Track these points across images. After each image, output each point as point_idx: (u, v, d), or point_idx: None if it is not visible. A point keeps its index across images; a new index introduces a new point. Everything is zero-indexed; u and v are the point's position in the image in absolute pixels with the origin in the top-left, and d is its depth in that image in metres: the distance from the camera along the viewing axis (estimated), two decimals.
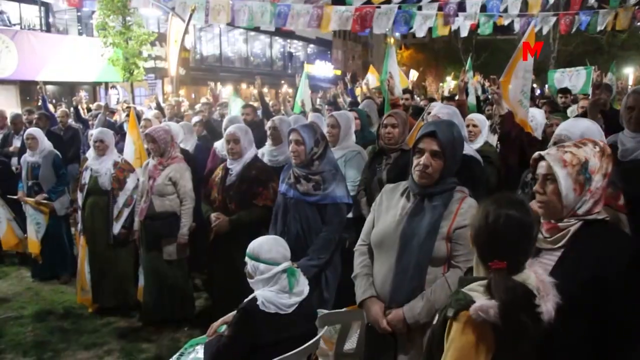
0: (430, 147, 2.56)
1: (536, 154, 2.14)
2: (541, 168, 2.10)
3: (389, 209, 2.73)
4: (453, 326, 1.74)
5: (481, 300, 1.69)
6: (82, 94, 12.56)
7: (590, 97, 6.56)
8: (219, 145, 5.68)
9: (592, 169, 2.01)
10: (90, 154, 5.57)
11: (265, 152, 4.88)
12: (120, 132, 7.73)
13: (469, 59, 9.42)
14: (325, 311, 3.27)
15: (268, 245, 2.81)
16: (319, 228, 3.75)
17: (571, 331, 1.89)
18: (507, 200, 1.86)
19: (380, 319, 2.60)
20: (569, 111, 7.10)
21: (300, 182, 3.77)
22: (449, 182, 2.62)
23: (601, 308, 1.89)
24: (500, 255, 1.76)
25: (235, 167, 4.40)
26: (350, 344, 3.50)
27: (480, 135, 4.89)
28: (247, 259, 2.83)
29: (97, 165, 5.40)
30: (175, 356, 3.13)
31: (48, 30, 21.53)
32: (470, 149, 4.00)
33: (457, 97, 5.53)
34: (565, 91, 8.57)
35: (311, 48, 43.32)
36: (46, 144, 6.42)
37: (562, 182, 2.00)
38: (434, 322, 1.89)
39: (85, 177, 5.45)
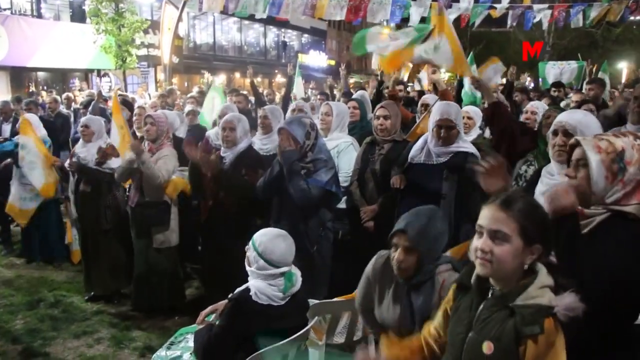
0: (401, 242, 2.53)
1: (573, 139, 2.12)
2: (575, 153, 2.07)
3: (383, 295, 2.71)
4: (541, 340, 1.62)
5: (562, 300, 1.64)
6: (77, 82, 12.46)
7: (585, 90, 6.62)
8: (213, 134, 5.66)
9: (627, 160, 1.97)
10: (79, 141, 5.54)
11: (256, 141, 4.87)
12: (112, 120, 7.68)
13: (471, 53, 9.42)
14: (316, 301, 3.27)
15: (273, 246, 2.76)
16: (312, 216, 3.75)
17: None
18: (520, 192, 1.92)
19: None
20: (562, 105, 7.12)
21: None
22: (428, 269, 2.55)
23: (605, 300, 1.84)
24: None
25: (229, 156, 4.39)
26: (340, 334, 3.51)
27: (474, 127, 4.93)
28: (250, 245, 2.80)
29: (85, 153, 5.35)
30: (165, 345, 3.13)
31: (39, 15, 21.29)
32: (469, 145, 3.99)
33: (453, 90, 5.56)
34: (558, 85, 8.60)
35: (305, 38, 43.15)
36: (42, 132, 6.42)
37: (594, 167, 1.97)
38: (490, 352, 1.72)
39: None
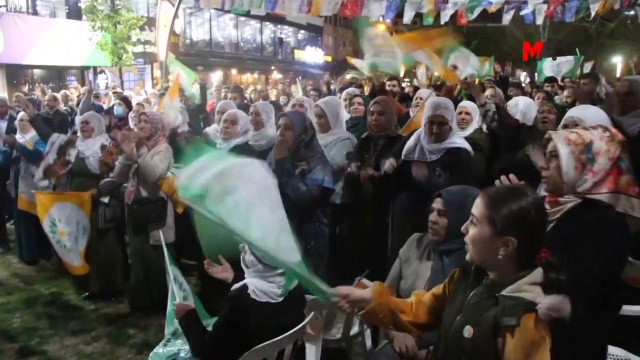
0: (437, 206, 2.82)
1: (547, 134, 2.24)
2: (549, 146, 2.21)
3: (412, 264, 2.99)
4: (517, 333, 1.63)
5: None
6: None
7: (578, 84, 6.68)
8: (211, 132, 5.66)
9: (596, 151, 2.10)
10: (79, 136, 5.58)
11: (248, 137, 4.89)
12: (107, 114, 7.71)
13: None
14: (313, 297, 3.27)
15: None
16: (305, 213, 3.77)
17: None
18: (521, 187, 1.89)
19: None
20: (556, 99, 7.16)
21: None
22: (459, 240, 2.66)
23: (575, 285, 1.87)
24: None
25: (224, 148, 4.43)
26: (337, 329, 3.53)
27: (471, 123, 4.97)
28: (247, 248, 2.76)
29: (83, 147, 5.40)
30: (162, 342, 3.14)
31: (35, 12, 21.22)
32: (462, 140, 4.02)
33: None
34: (551, 80, 8.64)
35: (302, 34, 43.08)
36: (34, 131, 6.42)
37: (563, 158, 2.11)
38: (469, 336, 1.76)
39: (72, 155, 5.48)
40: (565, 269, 1.71)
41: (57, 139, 5.71)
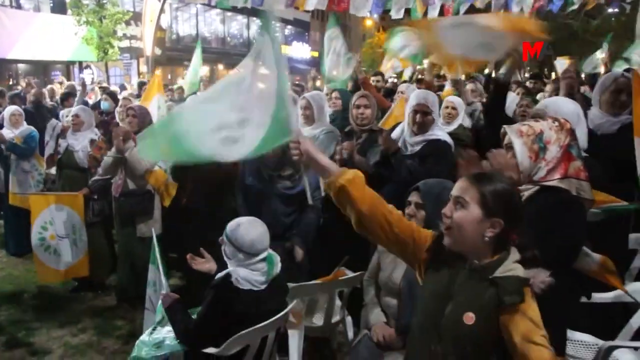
0: (414, 199, 2.86)
1: (502, 129, 2.35)
2: (505, 139, 2.34)
3: (389, 255, 3.02)
4: (521, 308, 1.73)
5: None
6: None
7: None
8: None
9: (546, 140, 2.24)
10: (69, 130, 5.62)
11: None
12: (95, 109, 7.70)
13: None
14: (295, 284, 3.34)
15: (250, 238, 2.79)
16: (291, 211, 3.88)
17: None
18: (496, 173, 2.06)
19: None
20: (539, 96, 7.31)
21: (275, 181, 3.86)
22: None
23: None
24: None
25: None
26: (319, 317, 3.61)
27: (457, 117, 5.07)
28: (226, 240, 2.85)
29: (73, 140, 5.48)
30: (148, 331, 3.19)
31: (18, 6, 21.01)
32: (443, 132, 4.11)
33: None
34: (535, 77, 8.81)
35: (288, 29, 42.98)
36: (25, 124, 6.47)
37: (518, 149, 2.24)
38: (471, 322, 1.81)
39: (62, 147, 5.54)
40: (537, 246, 1.84)
41: (57, 125, 5.79)
